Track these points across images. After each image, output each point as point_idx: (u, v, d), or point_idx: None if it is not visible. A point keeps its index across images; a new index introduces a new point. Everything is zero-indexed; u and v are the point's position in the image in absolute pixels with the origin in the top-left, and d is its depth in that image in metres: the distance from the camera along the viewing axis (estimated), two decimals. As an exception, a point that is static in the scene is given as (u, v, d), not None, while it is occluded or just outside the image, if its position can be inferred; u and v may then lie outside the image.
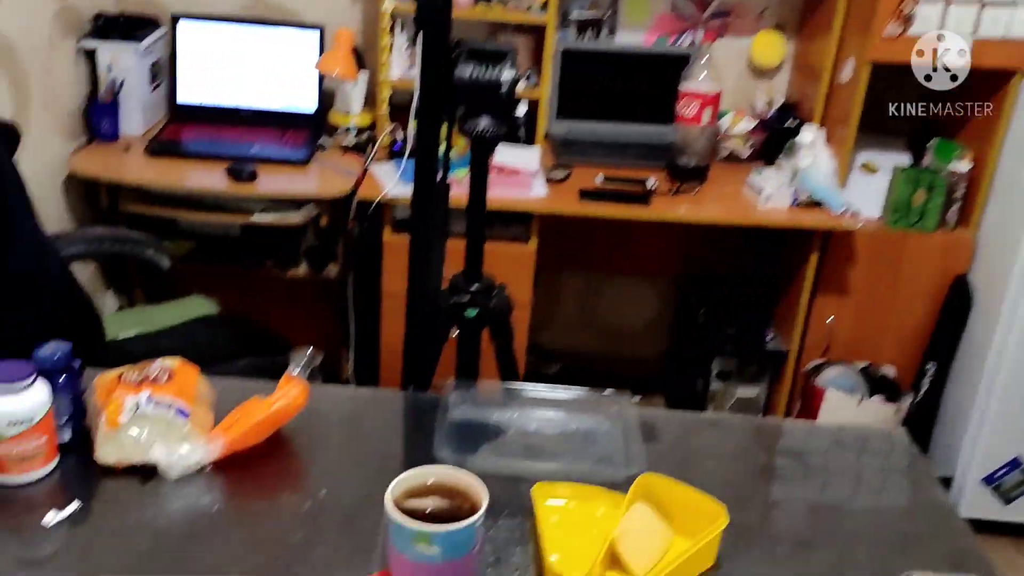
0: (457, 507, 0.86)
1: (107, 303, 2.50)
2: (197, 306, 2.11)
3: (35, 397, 1.01)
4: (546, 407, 1.27)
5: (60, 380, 1.07)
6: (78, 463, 1.08)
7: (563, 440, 1.22)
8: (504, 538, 1.01)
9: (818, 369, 2.56)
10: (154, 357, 1.16)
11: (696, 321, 2.74)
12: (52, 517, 0.97)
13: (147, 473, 1.06)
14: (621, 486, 1.05)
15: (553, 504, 1.06)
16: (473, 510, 0.84)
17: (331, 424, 1.22)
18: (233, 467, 1.09)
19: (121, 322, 2.03)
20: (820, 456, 1.25)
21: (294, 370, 1.13)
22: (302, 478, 1.12)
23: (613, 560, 0.98)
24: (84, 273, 2.36)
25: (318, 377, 1.15)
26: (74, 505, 0.99)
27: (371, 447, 1.18)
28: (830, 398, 2.48)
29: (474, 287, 1.41)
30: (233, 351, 1.92)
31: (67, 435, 1.09)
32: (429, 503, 0.86)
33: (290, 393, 1.12)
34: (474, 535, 0.84)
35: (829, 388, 2.49)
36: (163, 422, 1.06)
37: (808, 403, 2.56)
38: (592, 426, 1.25)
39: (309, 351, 1.13)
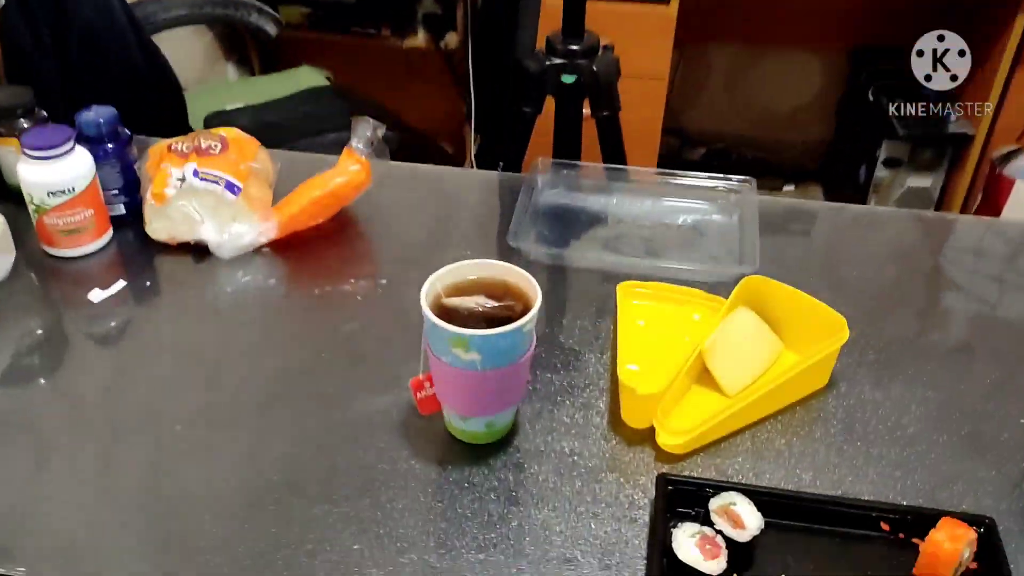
0: (508, 308, 0.72)
1: (228, 73, 2.44)
2: (307, 77, 2.00)
3: (75, 165, 0.93)
4: (651, 194, 1.09)
5: (106, 148, 0.98)
6: (136, 238, 1.01)
7: (666, 233, 1.05)
8: (578, 342, 0.88)
9: (1009, 156, 2.19)
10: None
11: (865, 99, 2.38)
12: (98, 295, 0.92)
13: (202, 252, 0.98)
14: (728, 289, 0.88)
15: (641, 305, 0.90)
16: (526, 313, 0.70)
17: (404, 206, 1.10)
18: (292, 249, 1.00)
19: (229, 93, 1.96)
20: (997, 259, 1.02)
21: (356, 143, 0.99)
22: (364, 265, 1.01)
23: (703, 374, 0.83)
24: (201, 42, 2.29)
25: (385, 152, 1.01)
26: (120, 284, 0.93)
27: (446, 234, 1.06)
28: (1020, 190, 2.13)
29: (573, 47, 1.19)
30: (340, 125, 1.82)
31: (120, 208, 1.02)
32: (473, 302, 0.73)
33: (349, 169, 1.00)
34: (521, 342, 0.70)
35: (1020, 178, 2.13)
36: (212, 197, 0.97)
37: (992, 196, 2.22)
38: (703, 218, 1.06)
39: (370, 122, 0.98)
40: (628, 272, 0.95)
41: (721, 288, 0.90)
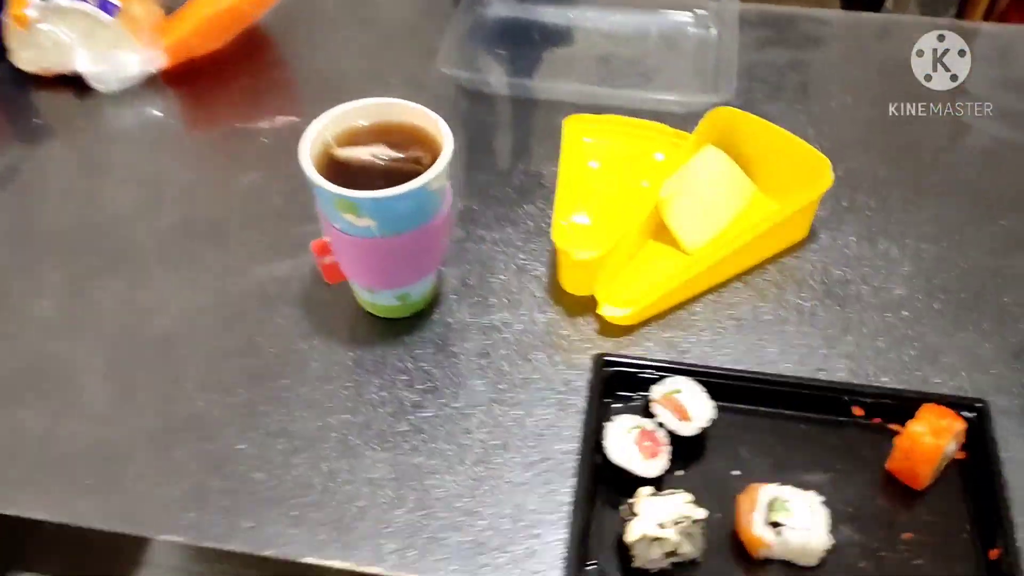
0: (415, 160, 0.59)
1: None
2: None
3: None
4: (616, 4, 0.92)
5: (-47, -38, 0.82)
6: (7, 70, 0.86)
7: (630, 52, 0.89)
8: (518, 190, 0.75)
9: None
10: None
11: None
12: (-44, 142, 0.78)
13: (85, 85, 0.83)
14: (694, 122, 0.74)
15: (593, 143, 0.76)
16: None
17: (325, 24, 0.93)
18: (190, 80, 0.85)
19: None
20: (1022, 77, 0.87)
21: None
22: (274, 99, 0.86)
23: (660, 227, 0.70)
24: None
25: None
26: (-20, 127, 0.80)
27: (374, 56, 0.90)
28: (1053, -13, 1.90)
29: None
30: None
31: (-17, 35, 0.86)
32: (369, 154, 0.60)
33: (247, -20, 0.83)
34: (427, 202, 0.57)
35: (1055, -26, 1.90)
36: (82, 19, 0.81)
37: (1020, -6, 1.99)
38: (676, 33, 0.90)
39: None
40: (582, 102, 0.80)
41: (692, 120, 0.76)
